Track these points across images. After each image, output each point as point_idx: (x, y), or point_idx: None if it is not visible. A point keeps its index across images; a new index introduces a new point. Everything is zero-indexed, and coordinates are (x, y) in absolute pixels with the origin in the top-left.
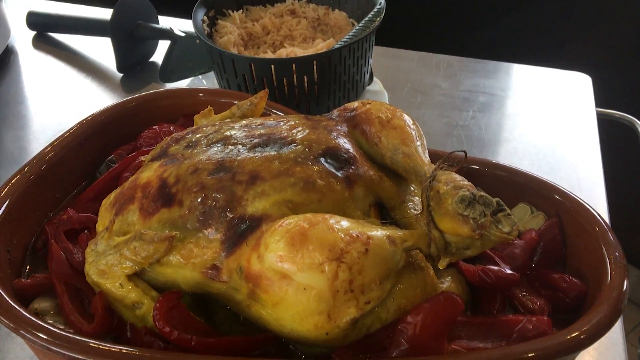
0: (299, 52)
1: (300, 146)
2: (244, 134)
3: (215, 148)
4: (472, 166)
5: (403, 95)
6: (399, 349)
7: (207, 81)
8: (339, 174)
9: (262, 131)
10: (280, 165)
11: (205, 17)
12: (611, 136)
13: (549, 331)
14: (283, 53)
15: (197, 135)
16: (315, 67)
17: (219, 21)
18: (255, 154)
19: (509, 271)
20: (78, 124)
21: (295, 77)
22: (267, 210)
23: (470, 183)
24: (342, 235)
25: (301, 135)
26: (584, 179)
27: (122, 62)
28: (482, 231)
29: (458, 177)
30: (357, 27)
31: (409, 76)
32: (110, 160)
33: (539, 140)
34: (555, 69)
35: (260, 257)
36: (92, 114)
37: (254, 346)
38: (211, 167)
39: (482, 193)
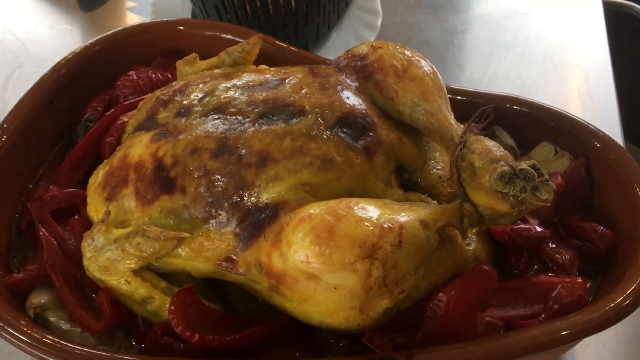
0: None
1: (311, 115)
2: (243, 98)
3: (214, 119)
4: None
5: None
6: (431, 327)
7: None
8: (357, 144)
9: (265, 94)
10: (292, 142)
11: None
12: (617, 29)
13: (585, 296)
14: None
15: (189, 99)
16: None
17: None
18: (262, 127)
19: (539, 229)
20: (41, 78)
21: None
22: (282, 197)
23: (506, 152)
24: (372, 228)
25: (311, 100)
26: (595, 90)
27: None
28: (522, 207)
29: (492, 145)
30: None
31: None
32: (87, 120)
33: (544, 43)
34: None
35: (283, 256)
36: (55, 65)
37: (277, 331)
38: (213, 147)
39: (523, 166)
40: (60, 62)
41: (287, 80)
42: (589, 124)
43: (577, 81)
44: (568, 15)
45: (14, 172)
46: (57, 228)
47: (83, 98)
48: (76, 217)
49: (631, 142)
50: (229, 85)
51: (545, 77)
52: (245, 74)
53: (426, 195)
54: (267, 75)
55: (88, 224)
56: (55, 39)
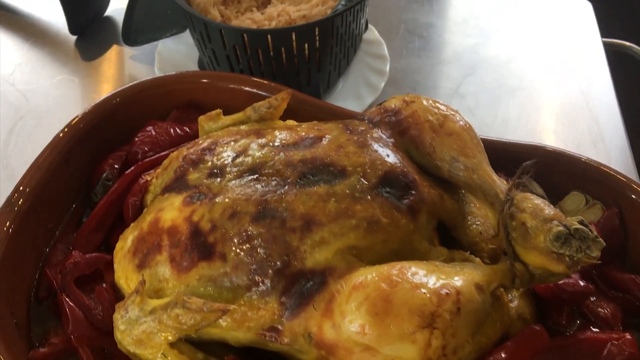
0: (291, 11)
1: (353, 176)
2: (280, 158)
3: (250, 181)
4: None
5: (399, 41)
6: None
7: (178, 43)
8: (401, 204)
9: (302, 154)
10: (337, 204)
11: None
12: (617, 69)
13: (636, 353)
14: (274, 13)
15: (221, 158)
16: (317, 33)
17: None
18: (304, 189)
19: (582, 283)
20: (57, 136)
21: (295, 45)
22: (329, 262)
23: (557, 211)
24: (429, 296)
25: (351, 159)
26: (606, 131)
27: (74, 21)
28: (578, 267)
29: (542, 203)
30: None
31: (401, 15)
32: (105, 178)
33: (551, 86)
34: None
35: (335, 326)
36: (71, 121)
37: None
38: (253, 210)
39: (577, 225)
40: (77, 117)
41: (323, 139)
42: (621, 174)
43: (587, 123)
44: (570, 57)
45: (31, 236)
46: (82, 297)
47: (98, 154)
48: (103, 285)
49: None
50: (262, 144)
51: (556, 120)
52: (276, 131)
53: (468, 252)
54: (302, 133)
55: (115, 291)
56: (57, 90)
